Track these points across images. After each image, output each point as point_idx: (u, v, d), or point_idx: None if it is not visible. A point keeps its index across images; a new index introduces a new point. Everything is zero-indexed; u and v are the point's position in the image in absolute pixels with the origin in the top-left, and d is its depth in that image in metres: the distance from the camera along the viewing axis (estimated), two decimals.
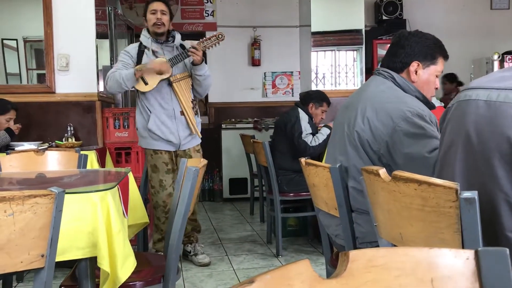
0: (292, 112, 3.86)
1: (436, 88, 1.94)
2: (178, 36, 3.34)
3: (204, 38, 3.25)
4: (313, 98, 3.94)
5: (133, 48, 3.29)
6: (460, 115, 1.25)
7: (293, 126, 3.75)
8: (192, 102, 3.31)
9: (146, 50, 3.26)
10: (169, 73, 3.18)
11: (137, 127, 3.35)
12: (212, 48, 3.29)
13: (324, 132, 3.77)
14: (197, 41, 3.21)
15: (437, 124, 1.72)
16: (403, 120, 1.71)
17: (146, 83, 3.18)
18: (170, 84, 3.23)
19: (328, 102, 3.99)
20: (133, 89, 3.36)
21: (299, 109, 3.86)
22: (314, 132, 3.84)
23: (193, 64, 3.22)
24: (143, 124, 3.27)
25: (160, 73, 3.16)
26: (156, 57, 3.23)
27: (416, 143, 1.67)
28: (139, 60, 3.23)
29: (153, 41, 3.26)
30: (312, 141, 3.72)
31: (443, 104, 3.29)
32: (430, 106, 1.88)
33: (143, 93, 3.23)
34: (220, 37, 3.22)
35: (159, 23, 3.21)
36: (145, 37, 3.27)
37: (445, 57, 1.90)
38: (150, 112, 3.23)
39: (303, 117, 3.81)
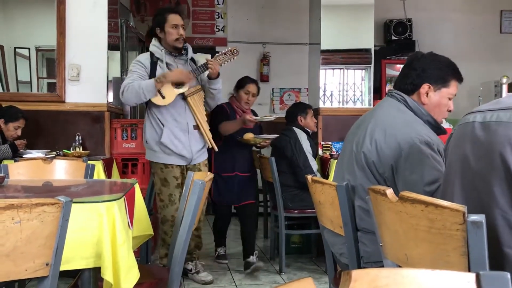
0: (290, 134, 3.83)
1: (450, 111, 1.90)
2: (190, 49, 3.34)
3: (220, 52, 3.27)
4: (298, 111, 3.99)
5: (146, 59, 3.21)
6: (459, 137, 1.31)
7: (294, 148, 3.72)
8: (206, 115, 3.33)
9: (159, 62, 3.20)
10: (190, 81, 3.16)
11: (146, 140, 3.27)
12: (227, 63, 3.29)
13: None
14: (209, 55, 3.24)
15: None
16: (410, 146, 1.70)
17: (163, 97, 3.12)
18: (184, 98, 3.20)
19: (310, 106, 4.06)
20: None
21: (294, 128, 3.86)
22: (313, 147, 3.87)
23: (210, 78, 3.22)
24: (155, 138, 3.21)
25: (180, 83, 3.14)
26: (170, 70, 3.18)
27: (418, 171, 1.66)
28: (152, 72, 3.17)
29: (167, 53, 3.22)
30: (317, 172, 3.76)
31: (452, 126, 3.28)
32: (441, 131, 1.87)
33: (156, 106, 3.17)
34: (235, 52, 3.26)
35: (181, 39, 3.21)
36: (157, 49, 3.21)
37: (459, 80, 1.87)
38: (163, 126, 3.18)
39: (301, 136, 3.81)
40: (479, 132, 1.22)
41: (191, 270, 3.36)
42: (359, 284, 0.64)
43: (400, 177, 1.70)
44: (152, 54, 3.22)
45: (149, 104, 3.23)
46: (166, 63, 3.21)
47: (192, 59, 3.33)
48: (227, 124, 3.58)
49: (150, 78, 3.14)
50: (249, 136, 3.58)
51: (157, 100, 3.14)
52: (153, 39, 3.28)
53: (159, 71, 3.18)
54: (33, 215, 1.19)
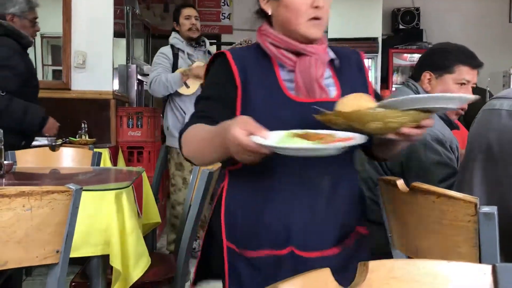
0: None
1: None
2: (207, 42, 3.56)
3: (235, 44, 3.43)
4: None
5: (169, 51, 3.42)
6: (483, 123, 1.26)
7: None
8: None
9: (180, 53, 3.41)
10: None
11: (167, 126, 3.43)
12: None
13: None
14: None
15: (457, 149, 1.70)
16: (422, 143, 1.68)
17: (188, 87, 3.33)
18: (202, 86, 3.31)
19: None
20: None
21: None
22: None
23: None
24: (176, 125, 3.36)
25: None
26: (191, 60, 3.39)
27: (430, 169, 1.66)
28: (175, 63, 3.38)
29: (187, 44, 3.42)
30: None
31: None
32: (454, 126, 1.84)
33: (178, 95, 3.35)
34: (249, 42, 3.36)
35: (194, 28, 3.41)
36: (178, 40, 3.42)
37: (469, 64, 1.79)
38: (185, 114, 3.33)
39: None
40: (506, 120, 1.17)
41: (195, 249, 3.45)
42: (376, 275, 0.64)
43: (412, 175, 1.69)
44: (173, 47, 3.43)
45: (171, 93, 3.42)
46: (187, 53, 3.42)
47: (209, 52, 3.52)
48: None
49: (173, 68, 3.37)
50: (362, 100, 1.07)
51: (183, 89, 3.33)
52: (173, 32, 3.49)
53: (181, 61, 3.39)
54: (43, 203, 1.19)
